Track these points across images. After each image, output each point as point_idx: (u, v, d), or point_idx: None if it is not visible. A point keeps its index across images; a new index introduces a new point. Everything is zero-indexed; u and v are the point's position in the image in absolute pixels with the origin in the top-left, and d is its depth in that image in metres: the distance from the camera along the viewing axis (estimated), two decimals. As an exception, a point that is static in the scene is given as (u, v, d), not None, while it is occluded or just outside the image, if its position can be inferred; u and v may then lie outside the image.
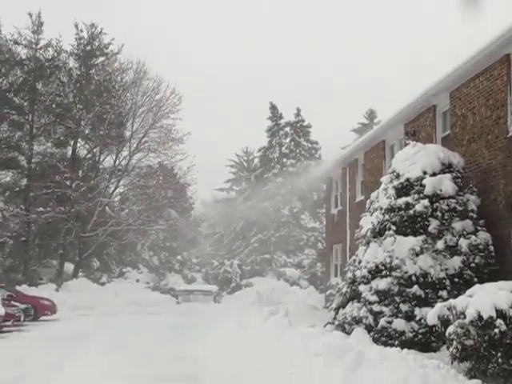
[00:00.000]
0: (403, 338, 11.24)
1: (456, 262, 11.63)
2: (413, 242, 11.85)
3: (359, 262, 12.79)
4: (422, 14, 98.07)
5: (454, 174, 12.50)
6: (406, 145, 14.25)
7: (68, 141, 38.47)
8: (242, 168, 57.94)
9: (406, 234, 12.11)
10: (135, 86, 39.18)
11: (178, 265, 47.95)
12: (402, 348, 9.82)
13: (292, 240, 49.80)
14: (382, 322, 11.55)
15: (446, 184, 12.19)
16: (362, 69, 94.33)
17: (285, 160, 53.29)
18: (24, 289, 26.98)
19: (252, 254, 48.94)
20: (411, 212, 12.17)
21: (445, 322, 9.17)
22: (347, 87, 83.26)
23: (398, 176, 12.98)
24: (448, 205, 12.07)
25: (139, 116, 39.33)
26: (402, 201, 12.39)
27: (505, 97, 12.14)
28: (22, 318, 20.66)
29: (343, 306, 12.89)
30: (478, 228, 12.04)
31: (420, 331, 11.20)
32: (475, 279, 11.25)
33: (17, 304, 20.98)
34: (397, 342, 11.05)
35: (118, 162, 39.80)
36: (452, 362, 8.73)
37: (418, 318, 11.28)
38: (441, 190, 12.16)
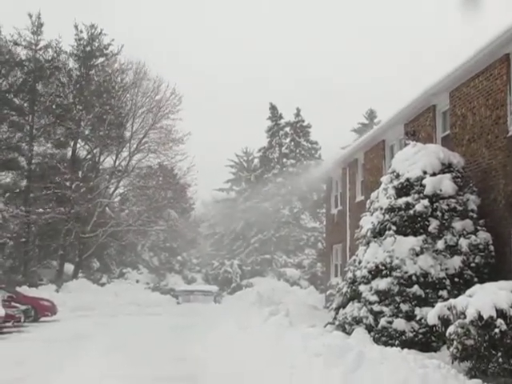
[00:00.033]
0: (403, 337, 11.24)
1: (456, 262, 11.63)
2: (413, 241, 11.85)
3: (359, 262, 12.79)
4: (421, 14, 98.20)
5: (454, 174, 12.50)
6: (405, 145, 14.26)
7: (68, 142, 38.48)
8: (242, 168, 57.92)
9: (406, 234, 12.11)
10: (135, 86, 39.21)
11: (178, 265, 47.94)
12: (402, 348, 9.82)
13: (292, 240, 49.81)
14: (383, 321, 11.55)
15: (446, 184, 12.19)
16: (361, 69, 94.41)
17: (285, 160, 53.30)
18: (24, 290, 26.96)
19: (252, 254, 48.94)
20: (411, 212, 12.17)
21: (445, 321, 9.17)
22: (347, 87, 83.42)
23: (398, 176, 12.98)
24: (448, 205, 12.07)
25: (139, 116, 39.38)
26: (402, 201, 12.39)
27: (504, 96, 12.14)
28: (22, 319, 20.64)
29: (343, 306, 12.89)
30: (478, 228, 12.04)
31: (420, 331, 11.20)
32: (475, 279, 11.25)
33: (17, 305, 20.96)
34: (397, 342, 11.05)
35: (117, 163, 39.83)
36: (452, 362, 8.73)
37: (418, 318, 11.29)
38: (441, 190, 12.16)
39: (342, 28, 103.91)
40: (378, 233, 12.58)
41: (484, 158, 12.91)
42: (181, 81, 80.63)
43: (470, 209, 12.19)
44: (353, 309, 12.37)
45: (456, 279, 11.51)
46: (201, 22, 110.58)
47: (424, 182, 12.30)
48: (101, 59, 39.62)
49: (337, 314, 13.12)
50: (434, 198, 12.15)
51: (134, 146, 39.40)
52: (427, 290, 11.47)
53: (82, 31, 38.95)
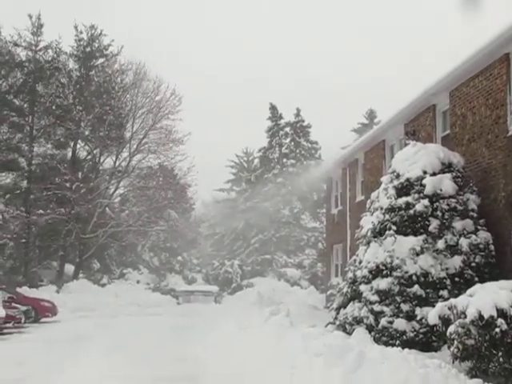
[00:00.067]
0: (404, 337, 11.24)
1: (456, 262, 11.63)
2: (413, 241, 11.84)
3: (360, 262, 12.79)
4: (421, 14, 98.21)
5: (454, 174, 12.50)
6: (405, 144, 14.25)
7: (68, 142, 38.49)
8: (242, 168, 57.92)
9: (406, 234, 12.11)
10: (135, 87, 39.22)
11: (178, 265, 47.93)
12: (403, 348, 9.81)
13: (292, 240, 49.81)
14: (383, 321, 11.55)
15: (446, 183, 12.19)
16: (361, 69, 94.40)
17: (285, 160, 53.28)
18: (24, 290, 26.97)
19: (253, 254, 48.93)
20: (411, 212, 12.16)
21: (446, 321, 9.16)
22: (347, 87, 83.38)
23: (398, 176, 12.98)
24: (448, 204, 12.07)
25: (139, 117, 39.40)
26: (402, 200, 12.39)
27: (504, 96, 12.14)
28: (22, 320, 20.65)
29: (344, 306, 12.89)
30: (479, 227, 12.04)
31: (421, 331, 11.20)
32: (476, 278, 11.24)
33: (17, 306, 20.96)
34: (398, 342, 11.05)
35: (118, 164, 39.85)
36: (453, 362, 8.73)
37: (418, 318, 11.28)
38: (441, 190, 12.15)
39: (341, 28, 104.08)
40: (379, 233, 12.58)
41: (484, 158, 12.90)
42: (181, 81, 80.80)
43: (471, 208, 12.19)
44: (353, 309, 12.37)
45: (456, 279, 11.50)
46: (201, 22, 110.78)
47: (424, 181, 12.30)
48: (101, 60, 39.66)
49: (337, 314, 13.11)
50: (435, 197, 12.14)
51: (134, 146, 39.45)
52: (428, 290, 11.47)
53: (81, 32, 39.03)
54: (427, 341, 11.05)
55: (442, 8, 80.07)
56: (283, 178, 49.30)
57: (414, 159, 12.82)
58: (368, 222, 13.15)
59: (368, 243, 12.74)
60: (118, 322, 22.69)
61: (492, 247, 11.89)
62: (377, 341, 11.18)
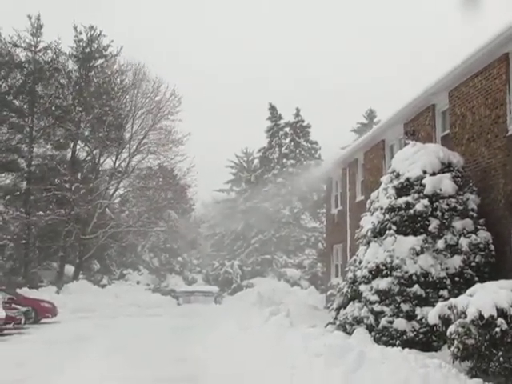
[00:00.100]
0: (404, 337, 11.24)
1: (456, 261, 11.62)
2: (413, 241, 11.84)
3: (360, 262, 12.79)
4: (421, 14, 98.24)
5: (454, 174, 12.50)
6: (405, 144, 14.26)
7: (68, 143, 38.48)
8: (242, 169, 57.92)
9: (406, 234, 12.11)
10: (134, 87, 39.22)
11: (178, 266, 47.95)
12: (403, 348, 9.81)
13: (292, 240, 49.80)
14: (383, 321, 11.55)
15: (446, 183, 12.19)
16: (361, 69, 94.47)
17: (285, 160, 53.25)
18: (24, 291, 26.98)
19: (252, 254, 48.92)
20: (411, 211, 12.16)
21: (446, 321, 9.16)
22: (347, 87, 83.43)
23: (397, 176, 12.98)
24: (448, 204, 12.07)
25: (139, 118, 39.39)
26: (402, 200, 12.39)
27: (504, 96, 12.14)
28: (22, 321, 20.65)
29: (344, 306, 12.88)
30: (479, 227, 12.04)
31: (421, 331, 11.19)
32: (476, 278, 11.24)
33: (17, 307, 20.96)
34: (398, 342, 11.04)
35: (117, 164, 39.85)
36: (453, 362, 8.72)
37: (418, 318, 11.28)
38: (441, 190, 12.15)
39: (341, 28, 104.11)
40: (379, 233, 12.58)
41: (484, 158, 12.90)
42: (181, 81, 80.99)
43: (470, 208, 12.18)
44: (353, 309, 12.36)
45: (456, 278, 11.50)
46: (201, 22, 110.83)
47: (424, 181, 12.29)
48: (100, 60, 39.67)
49: (337, 314, 13.11)
50: (434, 197, 12.14)
51: (134, 147, 39.45)
52: (428, 290, 11.47)
53: (81, 32, 39.06)
54: (427, 341, 11.05)
55: (441, 8, 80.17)
56: (283, 178, 49.29)
57: (414, 159, 12.82)
58: (368, 221, 13.15)
59: (368, 243, 12.74)
60: (118, 323, 22.70)
61: (492, 247, 11.89)
62: (377, 341, 11.18)
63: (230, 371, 10.52)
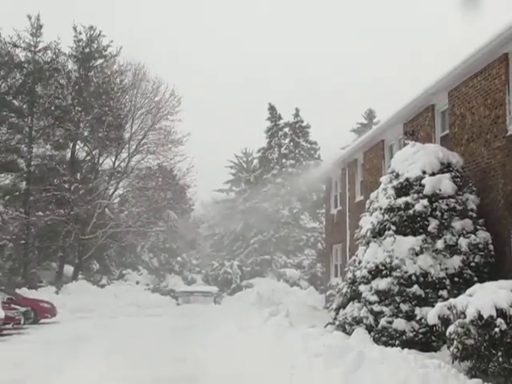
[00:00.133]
0: (404, 337, 11.24)
1: (456, 262, 11.63)
2: (412, 241, 11.84)
3: (359, 262, 12.79)
4: (421, 14, 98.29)
5: (453, 174, 12.50)
6: (405, 145, 14.26)
7: (67, 143, 38.44)
8: (242, 169, 57.93)
9: (405, 234, 12.11)
10: (134, 87, 39.17)
11: (177, 266, 47.93)
12: (402, 348, 9.81)
13: (292, 240, 49.80)
14: (383, 322, 11.55)
15: (446, 183, 12.19)
16: (361, 69, 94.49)
17: (284, 161, 53.26)
18: (24, 292, 26.97)
19: (252, 254, 48.92)
20: (411, 212, 12.16)
21: (445, 321, 9.16)
22: (347, 87, 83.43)
23: (397, 176, 12.98)
24: (447, 204, 12.07)
25: (138, 118, 39.34)
26: (401, 201, 12.39)
27: (503, 96, 12.14)
28: (22, 321, 20.63)
29: (343, 306, 12.89)
30: (478, 227, 12.04)
31: (420, 331, 11.20)
32: (475, 278, 11.25)
33: (17, 307, 20.94)
34: (397, 342, 11.05)
35: (117, 164, 39.78)
36: (453, 362, 8.72)
37: (418, 318, 11.28)
38: (440, 190, 12.16)
39: (341, 28, 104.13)
40: (378, 233, 12.58)
41: (483, 158, 12.91)
42: (181, 81, 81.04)
43: (470, 208, 12.19)
44: (353, 309, 12.37)
45: (456, 279, 11.50)
46: (201, 22, 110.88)
47: (423, 181, 12.30)
48: (100, 61, 39.63)
49: (337, 314, 13.11)
50: (434, 197, 12.15)
51: (133, 147, 39.40)
52: (427, 290, 11.47)
53: (80, 33, 39.00)
54: (427, 341, 11.06)
55: (441, 8, 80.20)
56: (282, 179, 49.30)
57: (413, 159, 12.82)
58: (367, 222, 13.15)
59: (367, 243, 12.75)
60: (117, 323, 22.69)
61: (491, 247, 11.89)
62: (376, 341, 11.18)
63: (229, 371, 10.52)
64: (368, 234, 12.83)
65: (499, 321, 8.30)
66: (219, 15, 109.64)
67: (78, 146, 39.20)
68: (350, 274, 12.98)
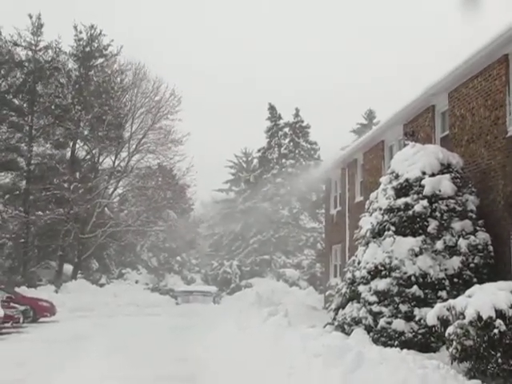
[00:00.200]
0: (403, 338, 11.24)
1: (455, 263, 11.63)
2: (412, 242, 11.85)
3: (358, 263, 12.80)
4: (422, 14, 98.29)
5: (453, 175, 12.51)
6: (405, 145, 14.26)
7: (67, 142, 38.46)
8: (241, 169, 57.94)
9: (405, 235, 12.11)
10: (134, 87, 39.19)
11: (177, 266, 47.97)
12: (401, 348, 9.82)
13: (291, 241, 49.81)
14: (382, 322, 11.55)
15: (445, 184, 12.19)
16: (361, 69, 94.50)
17: (284, 161, 53.26)
18: (23, 290, 26.97)
19: (251, 254, 48.94)
20: (410, 212, 12.17)
21: (444, 322, 9.17)
22: (347, 87, 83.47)
23: (397, 176, 12.98)
24: (447, 205, 12.07)
25: (138, 117, 39.36)
26: (401, 201, 12.40)
27: (503, 97, 12.15)
28: (21, 320, 20.62)
29: (343, 306, 12.89)
30: (477, 228, 12.05)
31: (419, 332, 11.20)
32: (474, 279, 11.26)
33: (16, 305, 20.94)
34: (396, 343, 11.05)
35: (117, 163, 39.80)
36: (452, 363, 8.74)
37: (417, 319, 11.28)
38: (440, 191, 12.16)
39: (342, 28, 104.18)
40: (377, 233, 12.59)
41: (483, 159, 12.91)
42: (181, 81, 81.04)
43: (469, 209, 12.19)
44: (352, 309, 12.37)
45: (455, 280, 11.51)
46: (201, 22, 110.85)
47: (423, 182, 12.30)
48: (100, 60, 39.66)
49: (336, 314, 13.12)
50: (433, 198, 12.15)
51: (133, 146, 39.41)
52: (426, 291, 11.47)
53: (81, 32, 39.02)
54: (426, 341, 11.06)
55: (442, 8, 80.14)
56: (282, 179, 49.30)
57: (413, 160, 12.82)
58: (367, 222, 13.16)
59: (367, 244, 12.75)
60: (116, 322, 22.69)
61: (491, 248, 11.90)
62: (375, 341, 11.19)
63: (229, 371, 10.52)
64: (367, 234, 12.84)
65: (498, 322, 8.31)
66: (219, 15, 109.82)
67: (77, 145, 39.27)
68: (349, 275, 12.99)
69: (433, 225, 11.97)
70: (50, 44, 37.26)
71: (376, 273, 12.04)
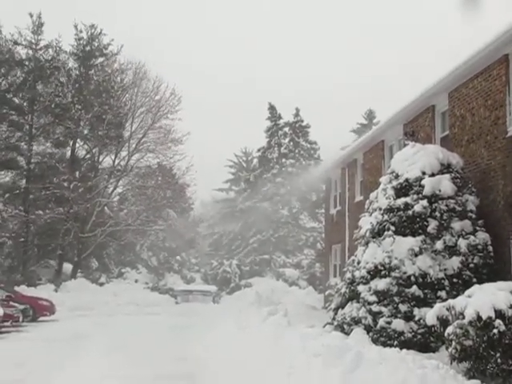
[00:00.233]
0: (402, 338, 11.25)
1: (455, 263, 11.64)
2: (412, 242, 11.85)
3: (358, 263, 12.80)
4: (422, 13, 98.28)
5: (453, 175, 12.51)
6: (405, 145, 14.27)
7: (67, 141, 38.47)
8: (241, 168, 57.94)
9: (404, 235, 12.12)
10: (134, 86, 39.20)
11: (176, 265, 47.95)
12: (401, 348, 9.83)
13: (291, 240, 49.82)
14: (381, 322, 11.56)
15: (445, 184, 12.20)
16: (362, 68, 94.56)
17: (284, 160, 53.25)
18: (23, 289, 26.97)
19: (251, 254, 48.94)
20: (410, 212, 12.17)
21: (444, 322, 9.17)
22: (347, 87, 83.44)
23: (397, 176, 12.99)
24: (447, 205, 12.08)
25: (138, 116, 39.38)
26: (401, 201, 12.40)
27: (503, 97, 12.15)
28: (20, 319, 20.61)
29: (342, 306, 12.90)
30: (477, 228, 12.06)
31: (419, 331, 11.21)
32: (474, 279, 11.26)
33: (15, 304, 20.95)
34: (396, 343, 11.05)
35: (116, 163, 39.81)
36: (451, 363, 8.74)
37: (417, 319, 11.29)
38: (440, 191, 12.17)
39: (342, 27, 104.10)
40: (377, 233, 12.59)
41: (483, 159, 12.92)
42: (181, 80, 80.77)
43: (469, 209, 12.20)
44: (351, 309, 12.38)
45: (455, 280, 11.51)
46: (201, 21, 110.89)
47: (423, 182, 12.31)
48: (100, 59, 39.67)
49: (335, 314, 13.12)
50: (433, 198, 12.16)
51: (133, 145, 39.42)
52: (426, 291, 11.48)
53: (81, 31, 39.05)
54: (425, 341, 11.07)
55: (442, 7, 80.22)
56: (282, 178, 49.31)
57: (413, 160, 12.83)
58: (367, 222, 13.16)
59: (367, 243, 12.76)
60: (116, 322, 22.69)
61: (490, 248, 11.91)
62: (375, 341, 11.20)
63: (229, 370, 10.53)
64: (367, 234, 12.84)
65: (498, 322, 8.31)
66: (220, 14, 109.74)
67: (77, 144, 39.30)
68: (348, 274, 12.99)
69: (432, 225, 11.98)
70: (50, 43, 37.35)
71: (376, 273, 12.05)
